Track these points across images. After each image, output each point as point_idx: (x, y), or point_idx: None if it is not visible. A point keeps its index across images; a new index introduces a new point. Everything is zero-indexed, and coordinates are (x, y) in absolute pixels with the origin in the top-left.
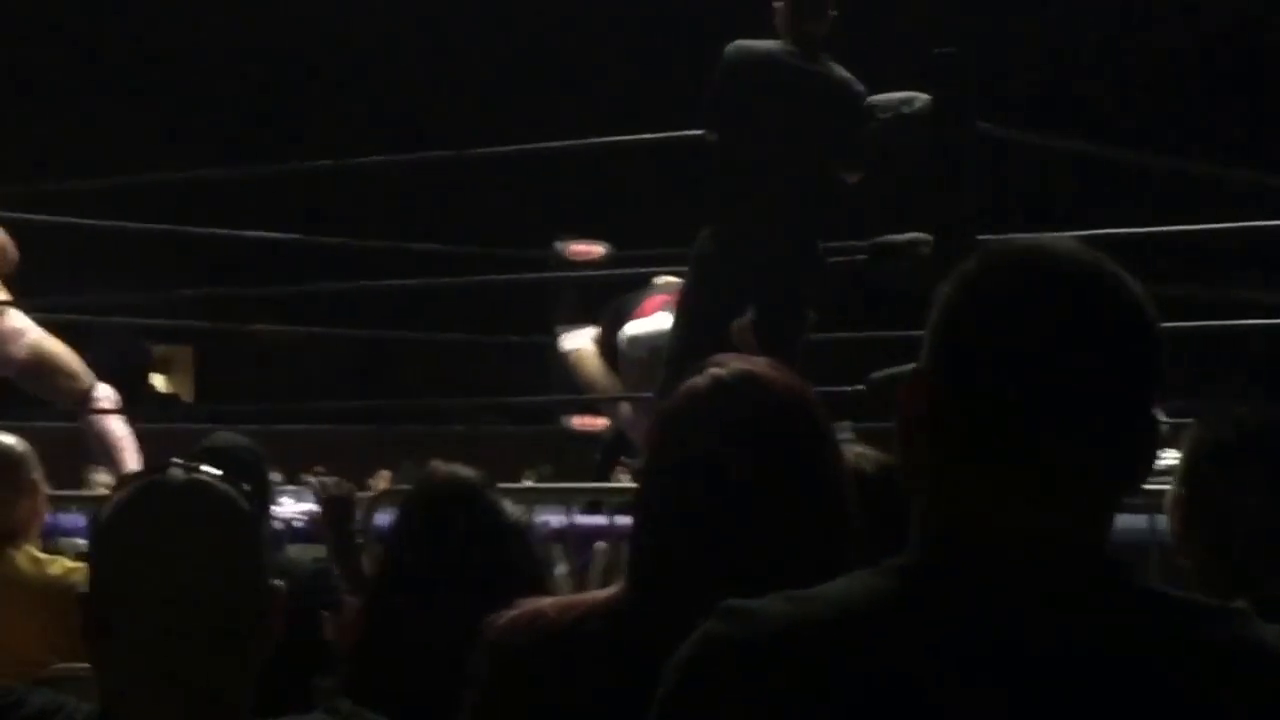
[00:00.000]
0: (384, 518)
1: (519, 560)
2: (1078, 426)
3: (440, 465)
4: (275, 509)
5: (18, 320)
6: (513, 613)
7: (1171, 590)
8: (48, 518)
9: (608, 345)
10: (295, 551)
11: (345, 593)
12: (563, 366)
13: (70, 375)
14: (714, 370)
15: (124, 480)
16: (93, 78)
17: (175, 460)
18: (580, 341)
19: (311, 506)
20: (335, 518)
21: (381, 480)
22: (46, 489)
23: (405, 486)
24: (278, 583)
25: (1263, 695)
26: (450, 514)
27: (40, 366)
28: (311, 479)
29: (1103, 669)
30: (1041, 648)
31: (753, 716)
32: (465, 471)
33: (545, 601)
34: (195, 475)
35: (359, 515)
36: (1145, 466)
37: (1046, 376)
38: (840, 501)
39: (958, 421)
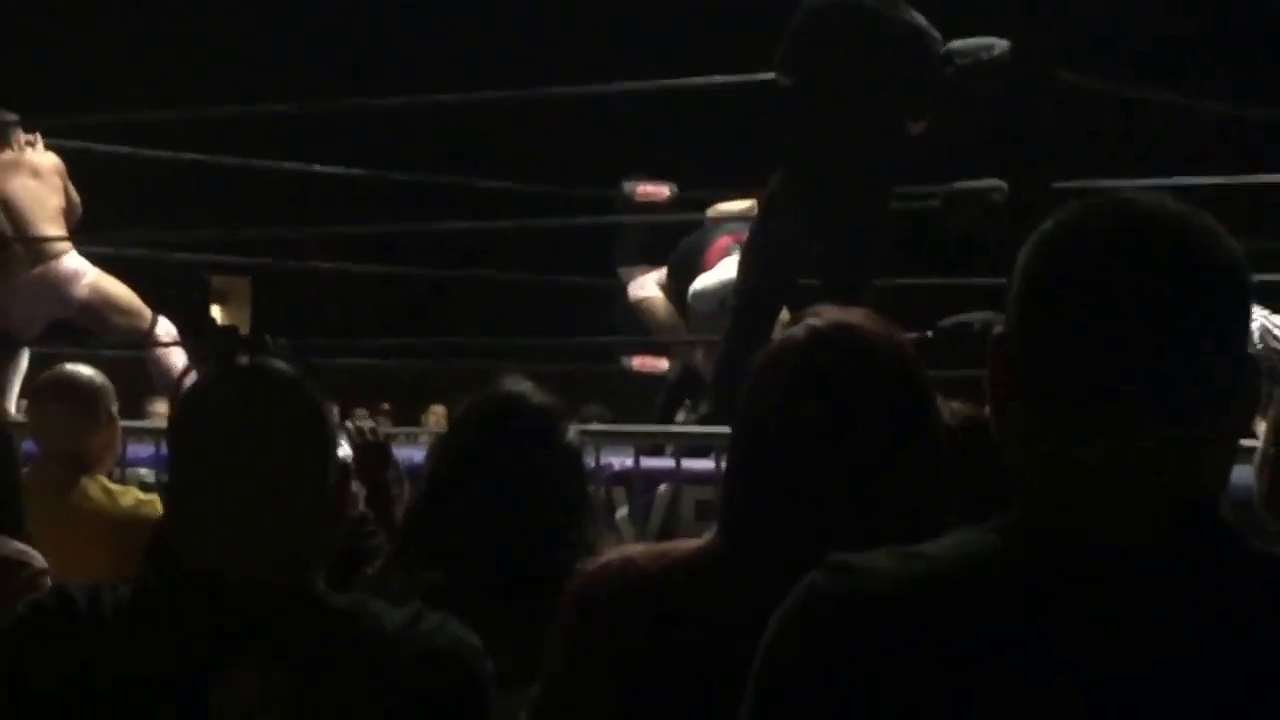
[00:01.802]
0: None
1: (569, 488)
2: (1175, 378)
3: (507, 380)
4: None
5: (76, 262)
6: (601, 560)
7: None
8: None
9: (676, 291)
10: None
11: (383, 542)
12: (632, 313)
13: (129, 313)
14: (810, 321)
15: (191, 370)
16: (156, 8)
17: (241, 346)
18: (650, 289)
19: (346, 451)
20: (370, 465)
21: (434, 417)
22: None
23: None
24: (344, 453)
25: None
26: (507, 426)
27: (100, 306)
28: (348, 424)
29: (1209, 627)
30: (1147, 606)
31: (859, 672)
32: (526, 386)
33: (634, 549)
34: (263, 364)
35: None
36: (1246, 416)
37: (1140, 328)
38: (937, 455)
39: (1051, 378)
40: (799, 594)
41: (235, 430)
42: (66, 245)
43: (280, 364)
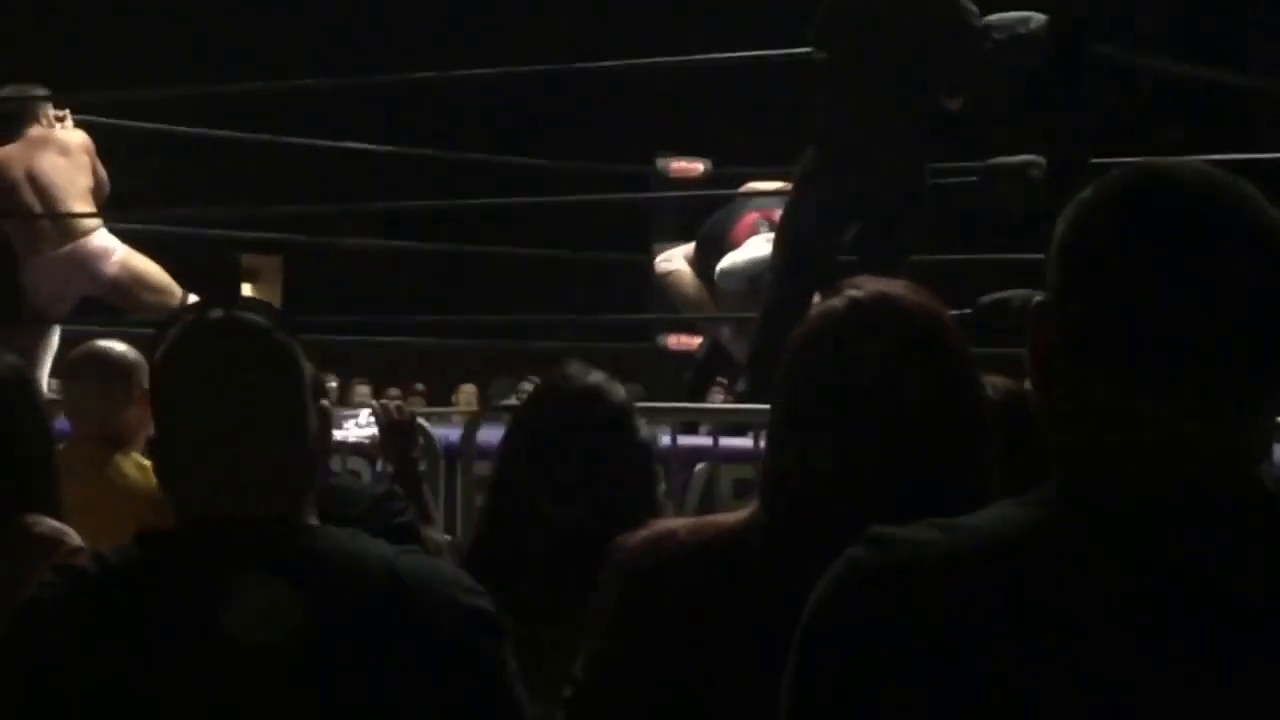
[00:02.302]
0: (489, 434)
1: (640, 482)
2: (1215, 349)
3: (577, 368)
4: (338, 434)
5: (105, 239)
6: (642, 533)
7: None
8: None
9: (703, 267)
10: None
11: (415, 518)
12: (659, 287)
13: (160, 290)
14: (850, 292)
15: (171, 321)
16: None
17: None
18: (676, 263)
19: (373, 431)
20: (397, 444)
21: (463, 396)
22: None
23: (507, 402)
24: (325, 403)
25: None
26: (581, 420)
27: (130, 283)
28: (374, 403)
29: (1257, 596)
30: (1192, 575)
31: (902, 645)
32: (599, 377)
33: (676, 523)
34: (235, 313)
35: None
36: None
37: (1183, 293)
38: (979, 426)
39: (1088, 350)
40: (841, 567)
41: (207, 376)
42: (96, 223)
43: (251, 315)
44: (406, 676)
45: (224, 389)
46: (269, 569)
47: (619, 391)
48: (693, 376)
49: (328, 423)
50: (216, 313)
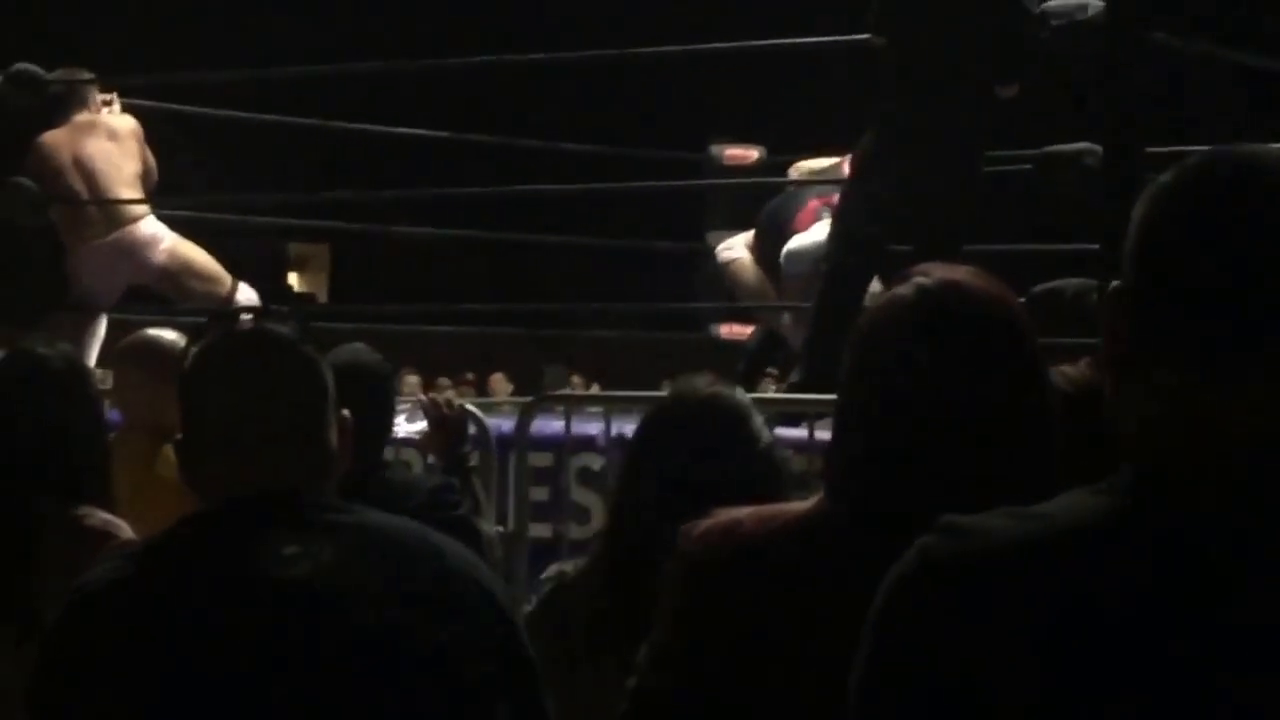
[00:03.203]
0: (541, 424)
1: (767, 488)
2: None
3: (691, 382)
4: (397, 430)
5: (154, 227)
6: (708, 522)
7: None
8: None
9: (764, 254)
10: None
11: (469, 510)
12: (719, 275)
13: (209, 279)
14: (919, 279)
15: (203, 331)
16: None
17: (244, 310)
18: (738, 251)
19: (423, 426)
20: (446, 439)
21: (495, 384)
22: None
23: (561, 391)
24: (345, 413)
25: None
26: (709, 436)
27: (178, 272)
28: (422, 398)
29: None
30: (1266, 564)
31: (974, 635)
32: (717, 388)
33: (742, 512)
34: (263, 327)
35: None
36: None
37: (1260, 285)
38: (1048, 416)
39: (1165, 337)
40: (912, 556)
41: (232, 385)
42: (144, 209)
43: (279, 327)
44: (428, 644)
45: (247, 398)
46: (297, 524)
47: (737, 397)
48: (745, 366)
49: (348, 433)
50: (246, 326)
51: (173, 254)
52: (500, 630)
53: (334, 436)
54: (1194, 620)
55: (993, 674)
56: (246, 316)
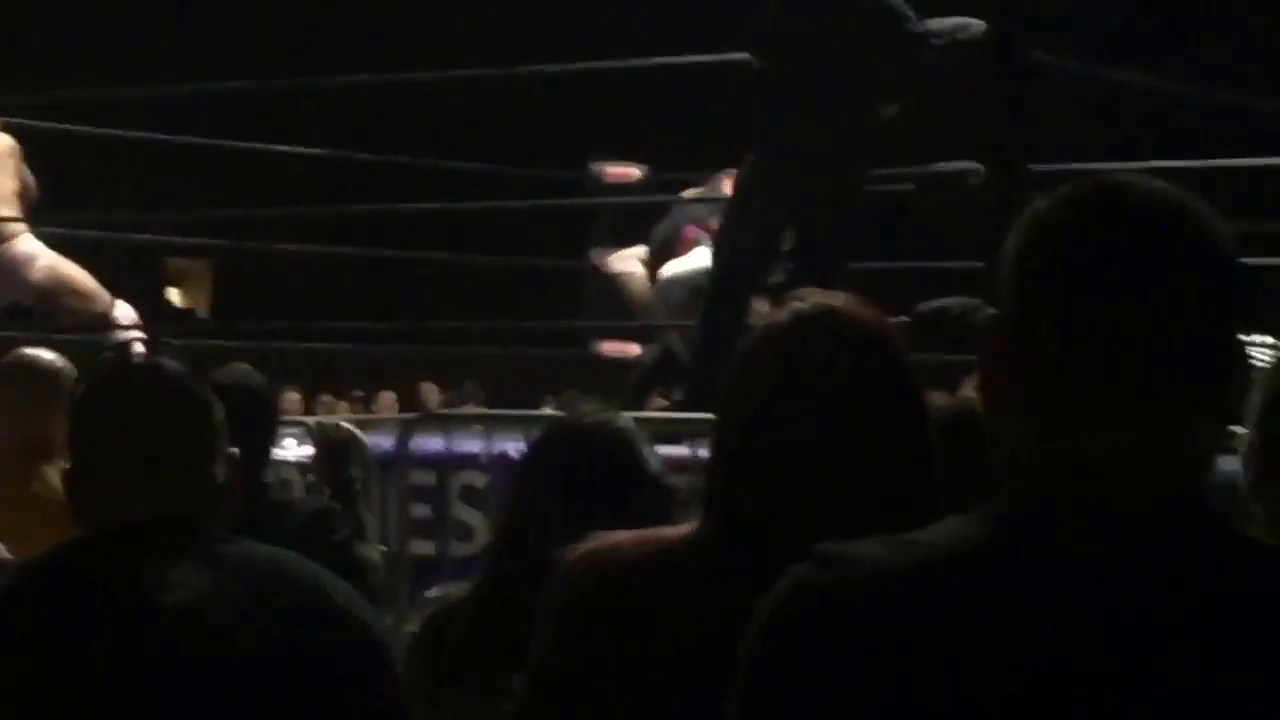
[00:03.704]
0: (422, 442)
1: (654, 513)
2: (1164, 362)
3: (580, 404)
4: (277, 452)
5: (31, 245)
6: (587, 546)
7: (1269, 540)
8: None
9: (655, 271)
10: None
11: (350, 536)
12: (610, 288)
13: (87, 297)
14: (795, 306)
15: (98, 366)
16: None
17: (137, 345)
18: (630, 264)
19: (310, 449)
20: (332, 462)
21: (384, 402)
22: None
23: (472, 409)
24: (233, 450)
25: None
26: (597, 462)
27: (56, 290)
28: (309, 422)
29: (1200, 614)
30: (1134, 597)
31: (849, 661)
32: (605, 414)
33: (621, 536)
34: (155, 360)
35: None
36: (1235, 401)
37: (1129, 312)
38: (925, 442)
39: (1041, 364)
40: (786, 584)
41: (122, 416)
42: (21, 227)
43: (171, 361)
44: (303, 672)
45: (135, 432)
46: (179, 552)
47: (624, 423)
48: (637, 380)
49: (237, 469)
50: (140, 361)
51: (51, 272)
52: (373, 664)
53: (221, 471)
54: (1063, 649)
55: (867, 703)
56: (140, 350)
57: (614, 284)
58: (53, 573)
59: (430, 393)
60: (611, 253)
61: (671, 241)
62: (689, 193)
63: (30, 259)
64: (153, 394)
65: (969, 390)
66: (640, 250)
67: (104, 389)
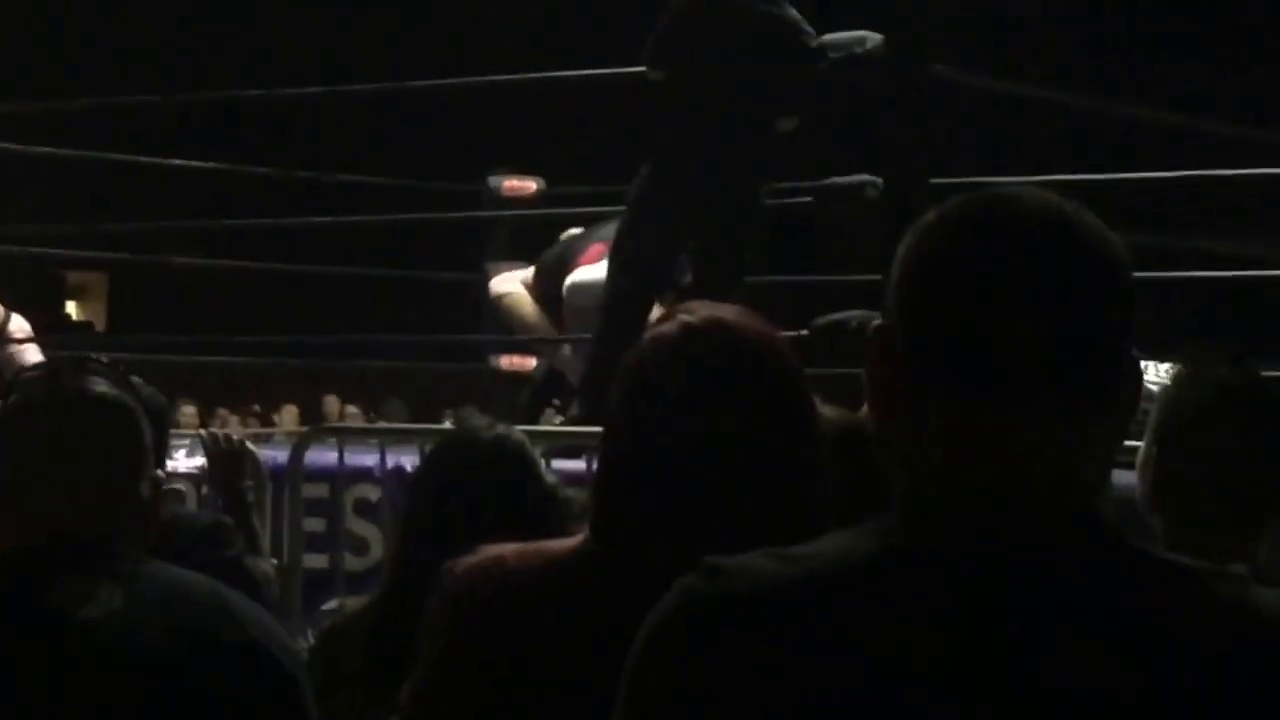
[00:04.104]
0: (315, 455)
1: (551, 526)
2: (1053, 374)
3: (474, 418)
4: (170, 463)
5: None
6: (471, 559)
7: (1163, 552)
8: None
9: (544, 291)
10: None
11: (243, 550)
12: (493, 308)
13: None
14: (683, 317)
15: (19, 379)
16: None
17: (63, 361)
18: (511, 285)
19: (201, 461)
20: (226, 474)
21: (287, 415)
22: None
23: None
24: (160, 473)
25: (1263, 662)
26: (492, 476)
27: None
28: (202, 433)
29: (1088, 627)
30: (1026, 606)
31: (734, 674)
32: (501, 428)
33: (506, 548)
34: (82, 382)
35: (273, 456)
36: (1128, 414)
37: (1017, 324)
38: (815, 453)
39: (927, 375)
40: (672, 597)
41: (45, 433)
42: None
43: (102, 383)
44: (208, 699)
45: (56, 450)
46: (92, 569)
47: (520, 437)
48: (529, 397)
49: (159, 491)
50: (68, 376)
51: None
52: (283, 697)
53: (145, 490)
54: (960, 659)
55: (751, 714)
56: (69, 366)
57: (499, 304)
58: None
59: (333, 404)
60: (509, 265)
61: (572, 256)
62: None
63: None
64: (80, 411)
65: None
66: (522, 273)
67: (31, 405)
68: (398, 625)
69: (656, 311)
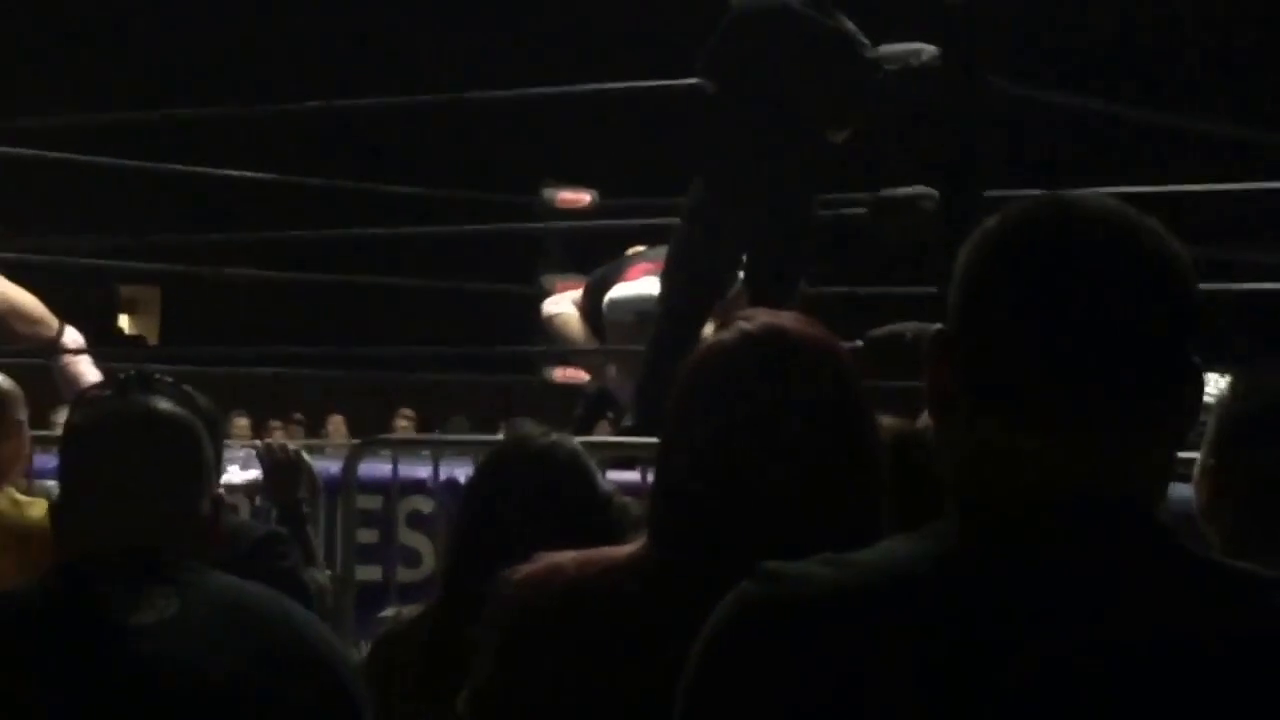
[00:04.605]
0: (369, 467)
1: (608, 534)
2: (1114, 382)
3: (529, 429)
4: (224, 476)
5: None
6: (530, 566)
7: (1226, 560)
8: None
9: (591, 311)
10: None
11: (298, 561)
12: (544, 328)
13: (34, 321)
14: (742, 324)
15: (84, 396)
16: (68, 10)
17: (129, 377)
18: (563, 305)
19: (256, 473)
20: (282, 486)
21: (333, 426)
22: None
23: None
24: (221, 490)
25: None
26: (549, 483)
27: (3, 314)
28: (258, 443)
29: (1149, 633)
30: (1082, 616)
31: (793, 680)
32: (555, 436)
33: (564, 556)
34: (147, 399)
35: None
36: (1189, 421)
37: (1087, 328)
38: (873, 461)
39: (989, 381)
40: (730, 603)
41: (110, 449)
42: None
43: (166, 401)
44: (265, 709)
45: (120, 465)
46: (150, 578)
47: (575, 445)
48: (582, 411)
49: (221, 509)
50: (133, 394)
51: None
52: (339, 708)
53: (205, 506)
54: (1009, 669)
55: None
56: (134, 383)
57: (550, 324)
58: (27, 596)
59: (337, 426)
60: (563, 279)
61: (615, 277)
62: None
63: None
64: (145, 429)
65: (926, 419)
66: (573, 293)
67: (97, 422)
68: (454, 632)
69: (709, 328)
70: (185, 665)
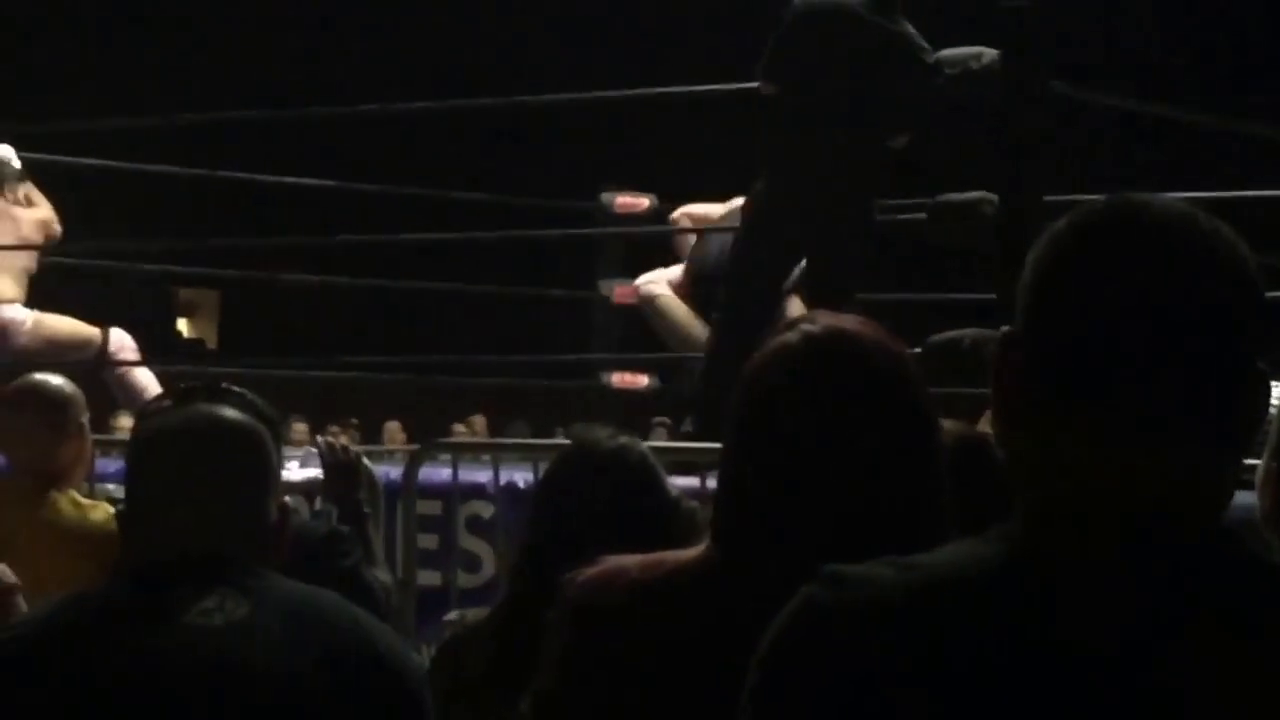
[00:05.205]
0: (429, 472)
1: (674, 537)
2: (1180, 387)
3: (596, 432)
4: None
5: (16, 312)
6: (593, 569)
7: None
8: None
9: (697, 296)
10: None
11: (360, 560)
12: (643, 309)
13: (74, 346)
14: (805, 327)
15: (150, 408)
16: (126, 14)
17: (196, 387)
18: (662, 287)
19: (315, 472)
20: (342, 485)
21: (389, 432)
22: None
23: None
24: (288, 499)
25: None
26: (608, 483)
27: (45, 349)
28: (319, 441)
29: (1217, 638)
30: (1149, 621)
31: (858, 683)
32: (624, 438)
33: (628, 559)
34: (213, 408)
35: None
36: (1255, 427)
37: (1148, 333)
38: (937, 463)
39: (1056, 383)
40: (795, 606)
41: (178, 457)
42: (11, 294)
43: (233, 410)
44: (333, 711)
45: (187, 474)
46: (217, 581)
47: (639, 446)
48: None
49: (287, 516)
50: (200, 403)
51: (35, 335)
52: (402, 698)
53: (273, 512)
54: (1075, 672)
55: None
56: (202, 392)
57: (650, 306)
58: (101, 601)
59: (393, 431)
60: (620, 283)
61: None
62: (686, 212)
63: (16, 326)
64: (212, 438)
65: (986, 425)
66: (668, 272)
67: (166, 431)
68: (519, 635)
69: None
70: (254, 668)
